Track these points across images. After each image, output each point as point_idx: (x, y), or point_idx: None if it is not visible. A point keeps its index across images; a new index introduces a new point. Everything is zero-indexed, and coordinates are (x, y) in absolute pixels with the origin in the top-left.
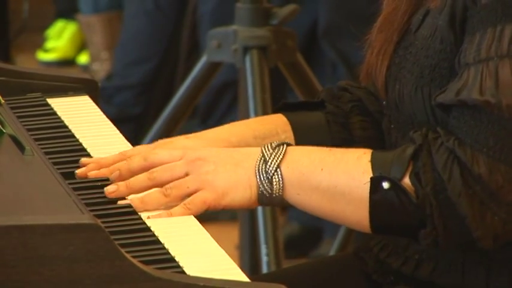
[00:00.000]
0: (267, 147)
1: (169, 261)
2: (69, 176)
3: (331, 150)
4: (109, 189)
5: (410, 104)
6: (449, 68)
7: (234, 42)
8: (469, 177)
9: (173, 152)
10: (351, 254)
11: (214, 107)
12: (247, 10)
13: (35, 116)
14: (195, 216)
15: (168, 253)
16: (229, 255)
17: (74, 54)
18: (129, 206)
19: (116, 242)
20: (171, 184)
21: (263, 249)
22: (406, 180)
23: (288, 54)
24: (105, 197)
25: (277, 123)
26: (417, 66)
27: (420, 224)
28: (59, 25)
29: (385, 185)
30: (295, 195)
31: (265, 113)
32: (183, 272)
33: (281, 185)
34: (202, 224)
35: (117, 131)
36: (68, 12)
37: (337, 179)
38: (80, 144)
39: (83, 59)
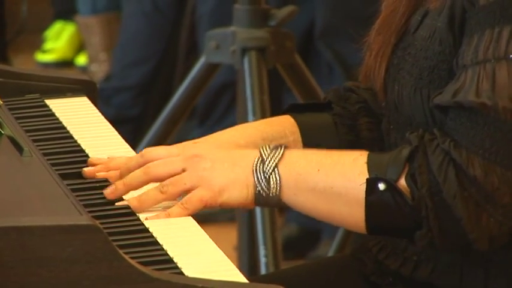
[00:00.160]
0: (265, 147)
1: (167, 262)
2: (68, 177)
3: (328, 152)
4: (108, 191)
5: (409, 105)
6: (448, 70)
7: (233, 43)
8: (465, 179)
9: (170, 149)
10: (349, 255)
11: (212, 108)
12: (246, 11)
13: (33, 117)
14: (194, 217)
15: (167, 254)
16: (227, 256)
17: (72, 56)
18: (128, 207)
19: (115, 243)
20: (167, 181)
21: (261, 251)
22: (402, 182)
23: (286, 55)
24: (103, 198)
25: (285, 125)
26: (416, 68)
27: (416, 226)
28: (57, 26)
29: (381, 186)
30: (292, 195)
31: (263, 114)
32: (182, 273)
33: (278, 185)
34: (200, 225)
35: (116, 132)
36: (66, 13)
37: (333, 180)
38: (78, 146)
39: (81, 60)
